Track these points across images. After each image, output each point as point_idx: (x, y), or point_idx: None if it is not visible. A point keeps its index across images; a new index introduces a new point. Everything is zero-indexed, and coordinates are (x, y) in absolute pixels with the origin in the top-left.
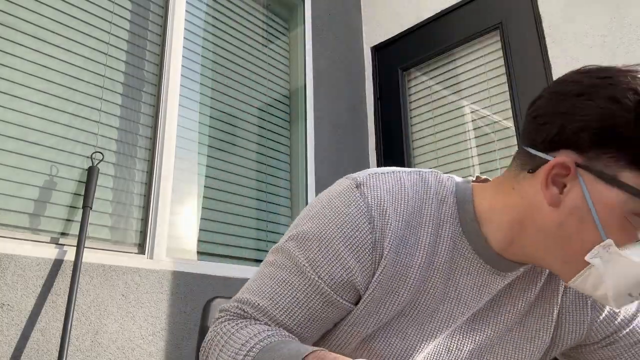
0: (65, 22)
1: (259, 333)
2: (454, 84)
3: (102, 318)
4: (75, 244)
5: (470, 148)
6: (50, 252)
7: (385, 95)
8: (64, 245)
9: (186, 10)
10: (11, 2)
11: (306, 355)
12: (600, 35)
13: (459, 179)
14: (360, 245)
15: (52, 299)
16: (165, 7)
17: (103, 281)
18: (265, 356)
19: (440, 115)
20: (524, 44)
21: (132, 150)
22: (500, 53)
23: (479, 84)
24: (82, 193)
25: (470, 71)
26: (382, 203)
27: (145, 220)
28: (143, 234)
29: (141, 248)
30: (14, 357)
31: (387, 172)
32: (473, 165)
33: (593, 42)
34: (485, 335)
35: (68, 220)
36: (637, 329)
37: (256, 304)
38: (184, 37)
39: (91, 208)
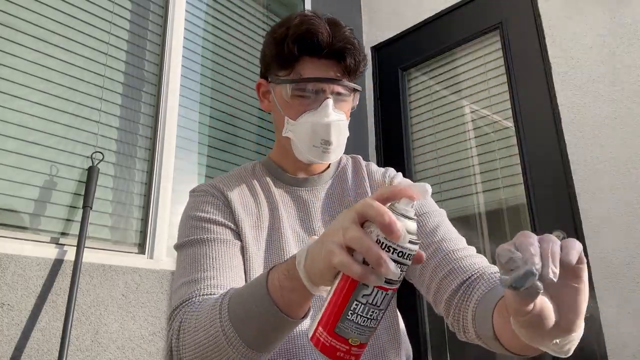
0: (65, 22)
1: (219, 296)
2: (454, 84)
3: (102, 318)
4: (75, 244)
5: (470, 148)
6: (50, 252)
7: (385, 95)
8: (64, 245)
9: (186, 10)
10: (11, 2)
11: (268, 273)
12: (600, 35)
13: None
14: (213, 206)
15: (52, 298)
16: (165, 7)
17: (103, 281)
18: (235, 302)
19: (440, 115)
20: (524, 44)
21: (132, 150)
22: (500, 53)
23: (479, 84)
24: (82, 193)
25: (470, 71)
26: (210, 183)
27: (145, 220)
28: (143, 233)
29: (141, 248)
30: (14, 357)
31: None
32: (473, 165)
33: (593, 42)
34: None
35: (68, 220)
36: (437, 242)
37: (195, 278)
38: (184, 37)
39: (91, 208)
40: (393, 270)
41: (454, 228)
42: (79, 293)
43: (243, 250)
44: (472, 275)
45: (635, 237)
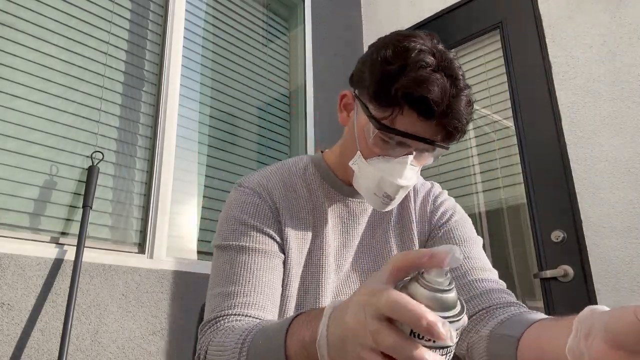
0: (65, 22)
1: (240, 339)
2: None
3: (102, 317)
4: (75, 244)
5: (470, 147)
6: (50, 252)
7: None
8: (64, 244)
9: (186, 10)
10: (11, 2)
11: (288, 327)
12: (600, 35)
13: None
14: (261, 212)
15: (52, 298)
16: (165, 7)
17: (103, 281)
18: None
19: None
20: (524, 44)
21: (132, 150)
22: (500, 53)
23: (479, 84)
24: (82, 192)
25: (470, 71)
26: (260, 182)
27: (145, 220)
28: (143, 233)
29: (141, 248)
30: (14, 357)
31: (257, 170)
32: (473, 165)
33: (593, 41)
34: (360, 257)
35: (68, 219)
36: (451, 229)
37: (230, 291)
38: (184, 37)
39: (91, 207)
40: None
41: (487, 259)
42: (79, 293)
43: (284, 264)
44: (493, 305)
45: (635, 237)
